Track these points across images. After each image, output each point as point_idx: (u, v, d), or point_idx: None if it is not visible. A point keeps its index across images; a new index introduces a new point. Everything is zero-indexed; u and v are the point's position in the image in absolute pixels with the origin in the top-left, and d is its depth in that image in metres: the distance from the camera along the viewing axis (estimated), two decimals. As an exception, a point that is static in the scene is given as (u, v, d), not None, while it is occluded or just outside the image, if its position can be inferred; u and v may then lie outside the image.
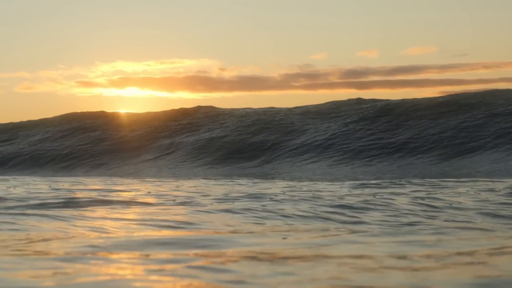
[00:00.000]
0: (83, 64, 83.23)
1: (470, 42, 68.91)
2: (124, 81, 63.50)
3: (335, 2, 74.09)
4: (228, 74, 68.15)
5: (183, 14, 76.11)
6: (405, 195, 10.02)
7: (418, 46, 70.61)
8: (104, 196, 9.22)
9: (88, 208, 7.97)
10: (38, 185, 12.89)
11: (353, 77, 68.93)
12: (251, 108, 46.16)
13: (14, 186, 12.29)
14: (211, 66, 75.11)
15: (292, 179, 21.86)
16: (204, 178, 23.53)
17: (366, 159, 31.75)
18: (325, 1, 73.75)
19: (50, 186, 12.16)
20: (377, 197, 9.87)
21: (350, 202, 9.00)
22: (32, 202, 8.57)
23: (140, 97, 62.80)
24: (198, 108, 46.94)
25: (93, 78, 71.10)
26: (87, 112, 50.07)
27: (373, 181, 15.00)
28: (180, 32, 78.59)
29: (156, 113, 47.75)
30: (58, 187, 12.28)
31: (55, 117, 49.86)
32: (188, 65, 70.50)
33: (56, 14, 77.57)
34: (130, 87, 62.09)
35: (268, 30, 75.38)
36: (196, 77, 65.97)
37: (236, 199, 9.29)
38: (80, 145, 43.39)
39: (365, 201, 8.89)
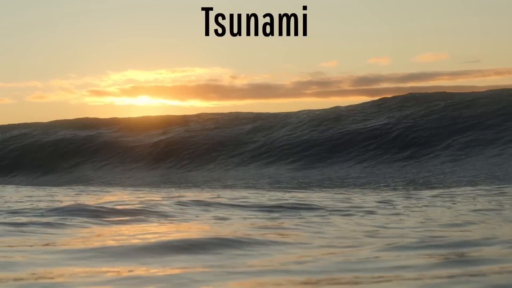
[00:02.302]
0: (95, 73, 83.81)
1: (482, 49, 69.38)
2: (136, 89, 63.78)
3: (346, 9, 74.44)
4: (240, 82, 68.71)
5: (194, 22, 76.10)
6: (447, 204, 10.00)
7: (429, 53, 71.13)
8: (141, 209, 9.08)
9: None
10: (60, 197, 12.74)
11: (364, 84, 69.86)
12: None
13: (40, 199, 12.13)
14: (222, 74, 75.50)
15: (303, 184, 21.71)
16: (223, 185, 23.41)
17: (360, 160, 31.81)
18: (336, 9, 74.04)
19: (75, 201, 11.95)
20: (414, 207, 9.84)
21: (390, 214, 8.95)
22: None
23: (151, 106, 63.11)
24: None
25: (105, 87, 71.19)
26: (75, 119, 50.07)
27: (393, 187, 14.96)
28: (191, 40, 78.67)
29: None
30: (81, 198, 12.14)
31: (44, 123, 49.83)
32: (200, 73, 70.70)
33: (67, 23, 77.72)
34: (142, 95, 62.42)
35: (279, 38, 75.64)
36: (208, 86, 66.38)
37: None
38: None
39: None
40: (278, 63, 75.51)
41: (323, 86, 69.03)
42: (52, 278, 3.97)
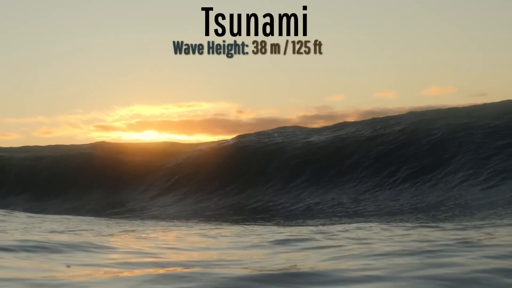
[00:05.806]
0: (101, 108, 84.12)
1: (488, 82, 70.42)
2: (142, 124, 64.34)
3: (351, 43, 75.22)
4: (246, 116, 69.49)
5: (200, 57, 76.19)
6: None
7: (436, 86, 72.21)
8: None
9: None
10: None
11: (371, 118, 70.93)
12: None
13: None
14: (228, 108, 75.97)
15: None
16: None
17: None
18: (341, 42, 74.78)
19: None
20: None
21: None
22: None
23: (158, 141, 64.56)
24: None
25: (111, 122, 71.54)
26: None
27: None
28: (198, 75, 78.96)
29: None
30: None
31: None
32: (206, 108, 71.21)
33: (73, 58, 78.24)
34: (148, 130, 63.13)
35: (285, 72, 76.62)
36: (214, 120, 67.07)
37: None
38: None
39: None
40: (284, 97, 76.95)
41: (330, 120, 70.30)
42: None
